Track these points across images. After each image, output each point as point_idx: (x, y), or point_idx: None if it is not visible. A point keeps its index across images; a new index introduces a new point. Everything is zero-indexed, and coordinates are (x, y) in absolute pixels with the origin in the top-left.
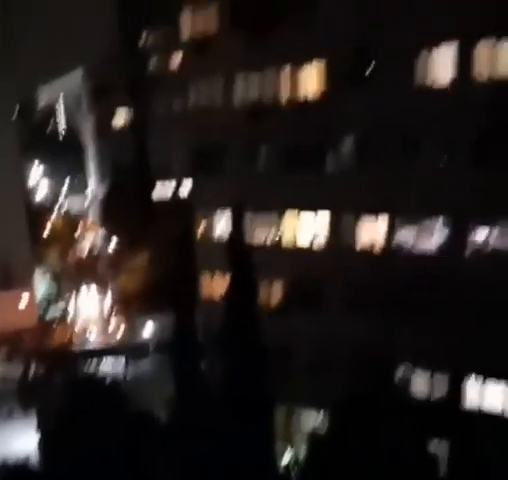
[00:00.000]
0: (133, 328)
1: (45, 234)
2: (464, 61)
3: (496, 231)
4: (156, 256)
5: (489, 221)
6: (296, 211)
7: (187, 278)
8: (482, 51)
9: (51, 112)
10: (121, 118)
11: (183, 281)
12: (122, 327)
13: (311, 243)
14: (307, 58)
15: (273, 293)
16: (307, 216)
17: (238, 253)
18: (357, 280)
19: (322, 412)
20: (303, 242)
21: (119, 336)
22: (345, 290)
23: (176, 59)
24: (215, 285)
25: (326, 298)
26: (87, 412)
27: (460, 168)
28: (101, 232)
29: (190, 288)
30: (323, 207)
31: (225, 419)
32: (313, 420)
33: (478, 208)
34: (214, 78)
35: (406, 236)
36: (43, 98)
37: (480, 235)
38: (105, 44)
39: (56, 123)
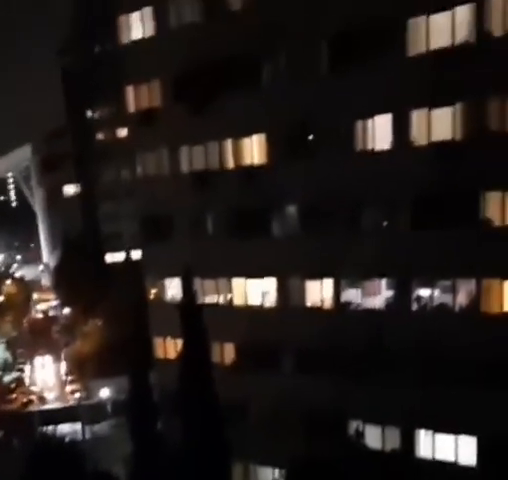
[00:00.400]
0: (89, 390)
1: None
2: (401, 128)
3: (438, 288)
4: (109, 320)
5: (431, 279)
6: (244, 275)
7: (141, 340)
8: (418, 118)
9: (2, 185)
10: (70, 189)
11: (137, 343)
12: (78, 389)
13: (261, 304)
14: (249, 130)
15: (226, 353)
16: (255, 281)
17: (190, 316)
18: (307, 339)
19: (278, 469)
20: (253, 303)
21: (76, 398)
22: (296, 349)
23: (122, 132)
24: (169, 347)
25: (278, 357)
26: (46, 474)
27: (400, 230)
28: (55, 299)
29: (144, 350)
30: (270, 271)
31: (182, 477)
32: (269, 478)
33: (420, 267)
34: (159, 149)
35: (352, 295)
36: None
37: (423, 292)
38: (53, 119)
39: (7, 195)
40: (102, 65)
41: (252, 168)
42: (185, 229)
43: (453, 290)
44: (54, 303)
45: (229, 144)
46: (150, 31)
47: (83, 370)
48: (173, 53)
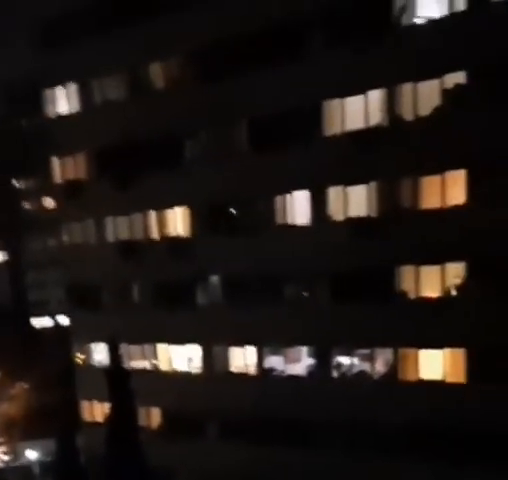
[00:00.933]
0: (17, 453)
1: None
2: (318, 205)
3: (355, 357)
4: (37, 383)
5: (348, 349)
6: (170, 342)
7: (68, 404)
8: (334, 195)
9: None
10: None
11: (64, 407)
12: (6, 452)
13: (187, 370)
14: (172, 204)
15: (153, 418)
16: (180, 347)
17: (117, 380)
18: (232, 405)
19: None
20: (178, 369)
21: (3, 461)
22: (221, 414)
23: (49, 202)
24: (96, 410)
25: (203, 423)
26: None
27: (320, 302)
28: None
29: (71, 413)
30: (195, 339)
31: None
32: None
33: (338, 337)
34: (86, 220)
35: (275, 362)
36: None
37: (343, 360)
38: None
39: None
40: (29, 137)
41: (176, 240)
42: (111, 297)
43: (371, 358)
44: None
45: (154, 217)
46: (76, 106)
47: (10, 433)
48: (98, 129)
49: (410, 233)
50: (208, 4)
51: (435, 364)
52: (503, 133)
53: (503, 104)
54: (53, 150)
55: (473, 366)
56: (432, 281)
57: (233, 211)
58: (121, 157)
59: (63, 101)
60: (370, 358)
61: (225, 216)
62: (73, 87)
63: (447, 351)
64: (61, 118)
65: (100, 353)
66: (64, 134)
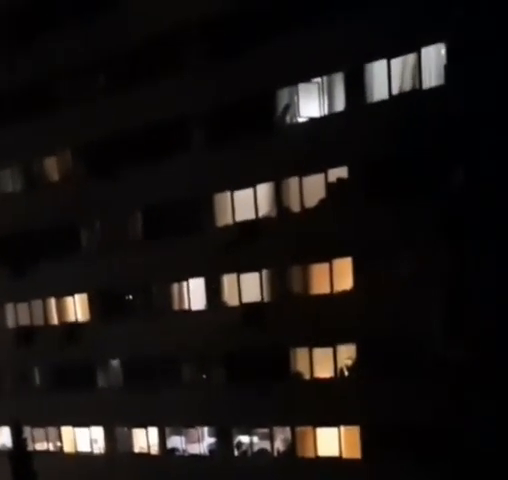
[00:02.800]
0: None
1: None
2: (214, 291)
3: (255, 436)
4: None
5: (247, 428)
6: (72, 424)
7: None
8: (227, 281)
9: None
10: None
11: None
12: None
13: (91, 451)
14: (70, 291)
15: None
16: (83, 429)
17: (20, 463)
18: None
19: None
20: (82, 450)
21: None
22: None
23: None
24: None
25: None
26: None
27: (217, 383)
28: None
29: None
30: (96, 422)
31: None
32: None
33: (237, 417)
34: None
35: (177, 442)
36: None
37: (243, 439)
38: None
39: None
40: None
41: (75, 325)
42: (13, 382)
43: (271, 437)
44: None
45: (52, 302)
46: None
47: None
48: None
49: (301, 316)
50: (98, 101)
51: (331, 441)
52: (378, 225)
53: (376, 198)
54: None
55: (367, 443)
56: (324, 362)
57: (130, 297)
58: (17, 246)
59: None
60: (269, 436)
61: (122, 302)
62: None
63: (342, 428)
64: None
65: (3, 436)
66: None
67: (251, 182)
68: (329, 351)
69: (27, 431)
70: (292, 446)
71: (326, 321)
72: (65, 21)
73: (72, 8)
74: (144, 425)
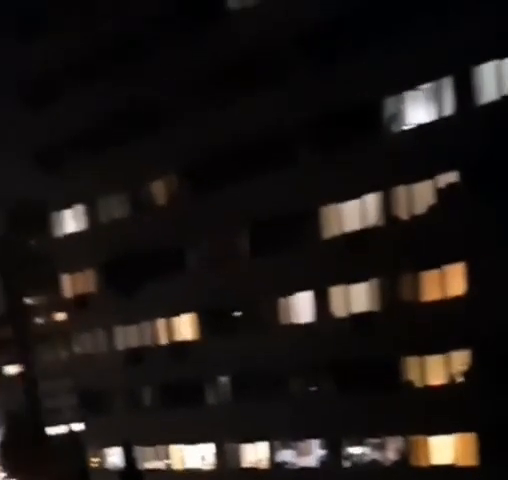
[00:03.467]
0: None
1: None
2: (322, 303)
3: (366, 446)
4: None
5: (358, 439)
6: (182, 441)
7: None
8: (335, 293)
9: None
10: (12, 369)
11: None
12: None
13: (199, 467)
14: (177, 310)
15: None
16: (192, 447)
17: None
18: None
19: None
20: (191, 467)
21: None
22: None
23: (60, 316)
24: None
25: None
26: None
27: (327, 395)
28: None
29: None
30: (206, 438)
31: None
32: None
33: (347, 428)
34: (95, 331)
35: (287, 456)
36: None
37: (353, 450)
38: None
39: None
40: (39, 255)
41: (183, 344)
42: (123, 402)
43: (382, 447)
44: (2, 475)
45: (159, 323)
46: (81, 225)
47: None
48: (104, 244)
49: (412, 324)
50: (198, 120)
51: (445, 449)
52: (491, 228)
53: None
54: (63, 266)
55: (484, 450)
56: (437, 369)
57: (237, 313)
58: (126, 269)
59: (69, 221)
60: (380, 447)
61: (229, 318)
62: (78, 208)
63: (457, 436)
64: (68, 237)
65: (114, 456)
66: (72, 251)
67: (359, 192)
68: (441, 358)
69: (138, 450)
70: (405, 456)
71: (438, 328)
72: (172, 38)
73: (180, 25)
74: (253, 440)
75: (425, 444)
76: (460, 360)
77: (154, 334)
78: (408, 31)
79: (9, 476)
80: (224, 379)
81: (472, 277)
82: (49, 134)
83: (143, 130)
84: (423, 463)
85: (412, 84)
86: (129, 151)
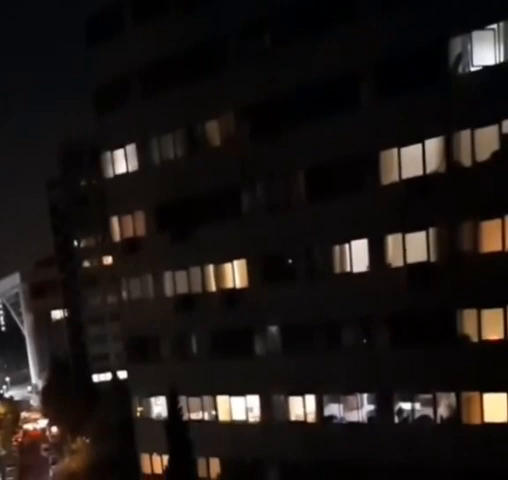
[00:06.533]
0: None
1: None
2: (377, 252)
3: (417, 402)
4: (97, 438)
5: (410, 394)
6: (228, 393)
7: (127, 456)
8: (392, 241)
9: None
10: (58, 314)
11: (124, 459)
12: None
13: (245, 420)
14: (229, 256)
15: (213, 468)
16: (239, 398)
17: (176, 433)
18: (292, 453)
19: None
20: (237, 419)
21: None
22: (281, 463)
23: (108, 259)
24: (155, 463)
25: (263, 472)
26: None
27: (379, 348)
28: (43, 418)
29: (131, 466)
30: (253, 390)
31: None
32: None
33: (399, 384)
34: (144, 275)
35: (335, 410)
36: None
37: (404, 406)
38: (40, 249)
39: None
40: (89, 197)
41: (234, 291)
42: (170, 349)
43: (434, 403)
44: (43, 422)
45: (211, 269)
46: (133, 166)
47: None
48: (155, 186)
49: (470, 276)
50: (258, 62)
51: (499, 407)
52: None
53: None
54: (112, 209)
55: None
56: (494, 324)
57: (290, 261)
58: (178, 212)
59: (121, 161)
60: (432, 402)
61: (283, 266)
62: (130, 147)
63: None
64: (119, 178)
65: (159, 405)
66: (122, 193)
67: (420, 137)
68: (499, 312)
69: (183, 400)
70: (457, 413)
71: (497, 280)
72: None
73: None
74: (302, 392)
75: (479, 401)
76: None
77: (205, 281)
78: None
79: (50, 423)
80: (274, 329)
81: None
82: (107, 71)
83: (203, 69)
84: (476, 421)
85: (481, 23)
86: (187, 90)
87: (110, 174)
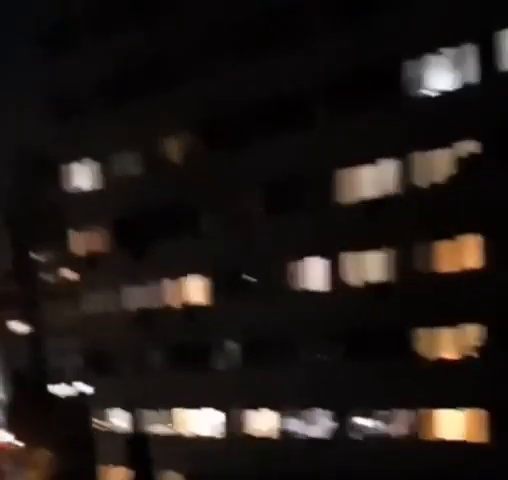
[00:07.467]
0: None
1: None
2: (334, 269)
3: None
4: (58, 450)
5: (367, 410)
6: (187, 406)
7: (86, 470)
8: (349, 260)
9: None
10: (16, 326)
11: (84, 472)
12: None
13: (206, 434)
14: (188, 272)
15: None
16: (198, 412)
17: (135, 445)
18: (252, 468)
19: None
20: (196, 433)
21: None
22: (241, 478)
23: (67, 273)
24: (115, 476)
25: None
26: None
27: (336, 364)
28: (5, 433)
29: (91, 479)
30: (212, 404)
31: None
32: None
33: (357, 400)
34: (104, 290)
35: (293, 425)
36: None
37: (361, 421)
38: None
39: None
40: (48, 210)
41: (192, 307)
42: (129, 363)
43: (391, 420)
44: (7, 437)
45: (169, 284)
46: (91, 180)
47: None
48: (114, 201)
49: (426, 296)
50: (216, 76)
51: (455, 424)
52: None
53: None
54: (71, 223)
55: (497, 426)
56: (448, 343)
57: (248, 277)
58: (137, 227)
59: (79, 175)
60: (389, 419)
61: (240, 282)
62: (89, 161)
63: (466, 411)
64: (78, 192)
65: (118, 418)
66: (81, 207)
67: (376, 157)
68: (454, 331)
69: (143, 413)
70: (413, 429)
71: (452, 301)
72: None
73: None
74: (261, 407)
75: (434, 418)
76: (473, 334)
77: (164, 296)
78: None
79: (15, 438)
80: (233, 344)
81: (488, 249)
82: (66, 82)
83: (160, 85)
84: (432, 437)
85: (433, 47)
86: (145, 106)
87: (68, 188)
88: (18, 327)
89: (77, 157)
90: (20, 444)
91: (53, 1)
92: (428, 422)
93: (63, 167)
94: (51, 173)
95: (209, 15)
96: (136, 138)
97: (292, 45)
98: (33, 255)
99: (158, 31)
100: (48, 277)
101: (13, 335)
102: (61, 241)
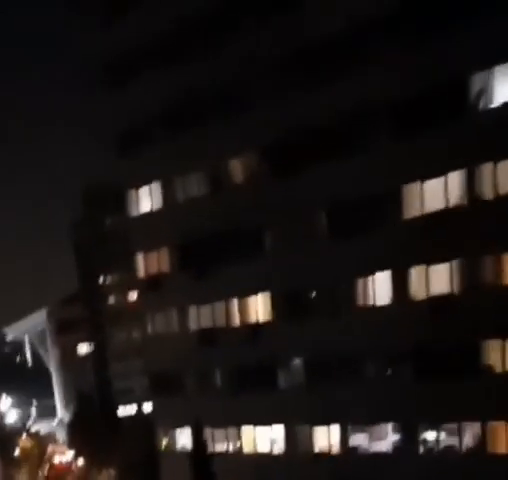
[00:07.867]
0: None
1: (15, 455)
2: (400, 284)
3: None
4: (123, 470)
5: (435, 424)
6: (252, 424)
7: None
8: (416, 275)
9: (19, 346)
10: (83, 349)
11: None
12: None
13: (270, 451)
14: (252, 291)
15: None
16: (263, 429)
17: (200, 464)
18: None
19: None
20: (262, 450)
21: None
22: None
23: (133, 295)
24: None
25: None
26: None
27: (403, 378)
28: (69, 452)
29: None
30: (277, 421)
31: None
32: None
33: (424, 414)
34: (168, 311)
35: (360, 440)
36: (11, 333)
37: (429, 436)
38: (66, 285)
39: (24, 356)
40: (113, 236)
41: (257, 325)
42: (194, 383)
43: (459, 433)
44: (69, 455)
45: (234, 304)
46: (157, 204)
47: None
48: (179, 223)
49: (494, 307)
50: (279, 102)
51: None
52: None
53: None
54: (137, 246)
55: None
56: None
57: (312, 295)
58: (202, 249)
59: (145, 200)
60: (458, 432)
61: (304, 300)
62: (154, 186)
63: None
64: (143, 216)
65: (184, 437)
66: (146, 230)
67: (442, 171)
68: None
69: (207, 432)
70: (482, 442)
71: None
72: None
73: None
74: (326, 423)
75: (503, 431)
76: None
77: (228, 315)
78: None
79: (76, 456)
80: (298, 362)
81: None
82: (128, 115)
83: (224, 110)
84: (502, 450)
85: (500, 59)
86: (209, 131)
87: (134, 212)
88: (84, 349)
89: (142, 182)
90: (84, 463)
91: (115, 36)
92: (497, 435)
93: (130, 192)
94: (116, 200)
95: (275, 42)
96: (199, 161)
97: (356, 68)
98: (99, 279)
99: (224, 57)
100: (114, 300)
101: (80, 357)
102: (126, 264)
